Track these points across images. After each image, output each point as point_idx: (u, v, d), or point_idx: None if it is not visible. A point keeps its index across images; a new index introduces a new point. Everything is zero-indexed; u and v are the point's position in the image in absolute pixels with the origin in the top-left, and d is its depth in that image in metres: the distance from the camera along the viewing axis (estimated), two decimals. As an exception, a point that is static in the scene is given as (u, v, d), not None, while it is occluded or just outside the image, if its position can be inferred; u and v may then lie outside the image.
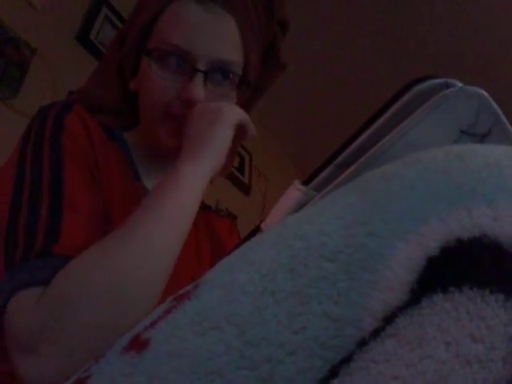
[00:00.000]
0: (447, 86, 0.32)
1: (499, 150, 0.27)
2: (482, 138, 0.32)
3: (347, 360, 0.21)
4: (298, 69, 2.65)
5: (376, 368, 0.20)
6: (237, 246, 0.37)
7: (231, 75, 0.79)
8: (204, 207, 0.99)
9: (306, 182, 0.35)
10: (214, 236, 0.94)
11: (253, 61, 0.84)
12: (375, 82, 2.77)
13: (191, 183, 0.65)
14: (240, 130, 0.77)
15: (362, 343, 0.21)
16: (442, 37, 2.50)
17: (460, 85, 0.32)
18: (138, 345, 0.30)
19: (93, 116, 0.80)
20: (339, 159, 0.34)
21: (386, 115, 0.32)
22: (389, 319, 0.21)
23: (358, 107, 2.84)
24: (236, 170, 2.88)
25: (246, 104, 0.91)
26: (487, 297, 0.20)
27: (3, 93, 1.78)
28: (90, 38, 2.10)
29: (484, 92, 0.32)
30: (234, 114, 0.74)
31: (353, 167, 0.33)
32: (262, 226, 0.38)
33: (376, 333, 0.21)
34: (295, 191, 0.35)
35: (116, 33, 0.95)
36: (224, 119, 0.72)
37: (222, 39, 0.78)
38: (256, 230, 0.39)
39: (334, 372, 0.21)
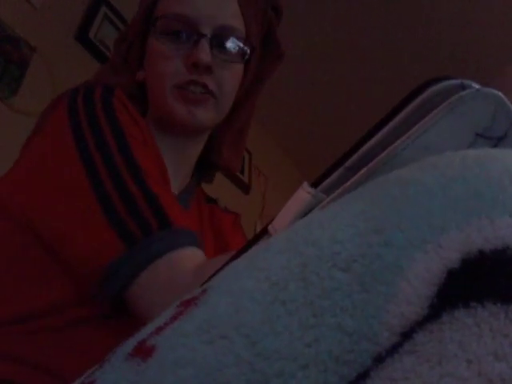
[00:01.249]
0: (463, 87, 0.31)
1: None
2: (498, 141, 0.32)
3: (363, 376, 0.20)
4: (299, 68, 2.64)
5: (394, 386, 0.20)
6: (243, 248, 0.36)
7: (236, 43, 0.82)
8: (209, 200, 0.99)
9: (315, 184, 0.34)
10: (217, 231, 0.94)
11: (254, 30, 0.86)
12: (376, 81, 2.76)
13: None
14: None
15: (379, 359, 0.20)
16: (444, 37, 2.50)
17: (476, 86, 0.31)
18: (144, 352, 0.29)
19: None
20: (350, 162, 0.33)
21: (399, 117, 0.31)
22: (407, 334, 0.20)
23: (359, 107, 2.84)
24: (235, 170, 2.87)
25: (247, 95, 0.91)
26: (511, 313, 0.20)
27: (2, 92, 1.77)
28: (89, 36, 2.09)
29: (501, 94, 0.31)
30: None
31: (364, 170, 0.32)
32: (270, 228, 0.37)
33: (393, 349, 0.20)
34: (304, 193, 0.34)
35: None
36: None
37: (223, 7, 0.81)
38: (263, 233, 0.38)
39: (350, 389, 0.20)
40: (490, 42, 2.49)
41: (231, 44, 0.82)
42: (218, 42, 0.80)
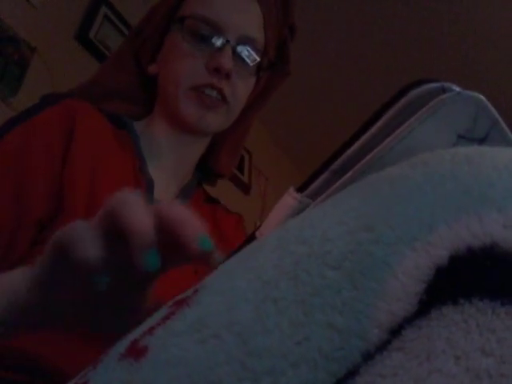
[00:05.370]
0: (444, 90, 0.31)
1: (507, 152, 0.27)
2: (480, 142, 0.32)
3: (352, 374, 0.20)
4: (298, 68, 2.64)
5: (383, 383, 0.20)
6: (235, 252, 0.36)
7: (255, 55, 0.83)
8: (211, 200, 0.99)
9: (301, 189, 0.35)
10: (219, 231, 0.93)
11: (272, 45, 0.87)
12: (376, 81, 2.76)
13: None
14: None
15: (368, 356, 0.20)
16: (443, 39, 2.50)
17: (457, 89, 0.31)
18: (136, 352, 0.29)
19: (99, 104, 0.81)
20: (335, 166, 0.33)
21: (382, 120, 0.32)
22: (396, 331, 0.20)
23: (359, 107, 2.84)
24: (236, 170, 2.88)
25: (251, 106, 0.92)
26: (498, 309, 0.20)
27: (2, 92, 1.77)
28: (90, 37, 2.09)
29: (481, 96, 0.31)
30: None
31: (349, 174, 0.32)
32: (257, 234, 0.37)
33: (382, 345, 0.20)
34: (290, 199, 0.34)
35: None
36: None
37: (249, 18, 0.83)
38: (251, 239, 0.38)
39: (339, 386, 0.20)
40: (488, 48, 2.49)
41: (251, 55, 0.84)
42: (239, 50, 0.82)
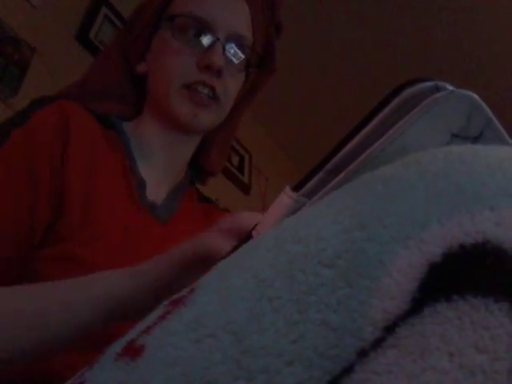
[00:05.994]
0: (437, 89, 0.31)
1: (500, 151, 0.27)
2: (474, 140, 0.32)
3: (348, 371, 0.20)
4: (298, 67, 2.64)
5: (378, 380, 0.20)
6: (230, 252, 0.37)
7: (243, 51, 0.84)
8: (204, 199, 0.99)
9: (296, 188, 0.35)
10: None
11: (260, 42, 0.89)
12: (375, 80, 2.76)
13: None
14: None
15: (363, 354, 0.20)
16: (443, 40, 2.50)
17: (450, 88, 0.31)
18: (133, 351, 0.29)
19: (91, 105, 0.81)
20: (329, 165, 0.33)
21: (376, 120, 0.32)
22: (390, 329, 0.21)
23: (358, 107, 2.84)
24: (236, 170, 2.87)
25: (239, 104, 0.93)
26: (491, 306, 0.20)
27: (3, 92, 1.77)
28: (90, 37, 2.09)
29: (475, 95, 0.32)
30: None
31: (343, 173, 0.32)
32: (254, 233, 0.37)
33: (377, 343, 0.20)
34: (286, 198, 0.35)
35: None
36: None
37: (238, 16, 0.84)
38: (247, 238, 0.38)
39: (334, 384, 0.20)
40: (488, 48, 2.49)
41: (241, 52, 0.85)
42: (229, 48, 0.83)
